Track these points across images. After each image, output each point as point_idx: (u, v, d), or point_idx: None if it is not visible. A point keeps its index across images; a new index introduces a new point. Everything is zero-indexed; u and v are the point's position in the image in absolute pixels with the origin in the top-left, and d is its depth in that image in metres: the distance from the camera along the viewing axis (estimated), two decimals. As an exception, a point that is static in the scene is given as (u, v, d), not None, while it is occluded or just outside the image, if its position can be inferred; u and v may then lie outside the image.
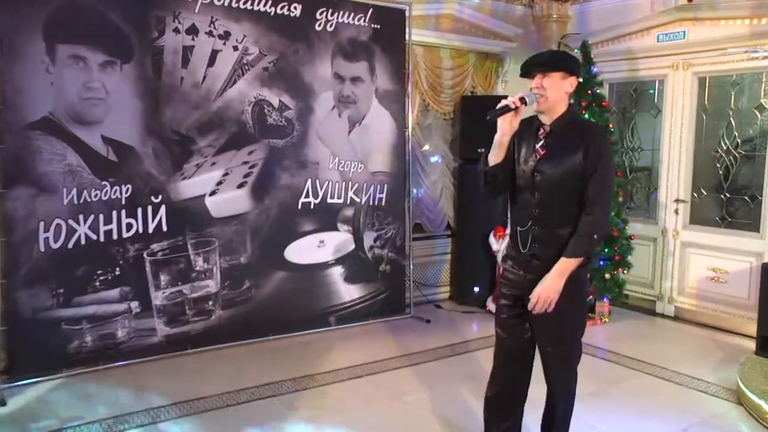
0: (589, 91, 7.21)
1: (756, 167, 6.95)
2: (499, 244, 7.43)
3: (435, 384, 5.50)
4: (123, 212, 5.62)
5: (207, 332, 6.13)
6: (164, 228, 5.82)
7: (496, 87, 8.37)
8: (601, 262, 7.18)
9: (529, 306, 3.51)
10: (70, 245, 5.43)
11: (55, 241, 5.38)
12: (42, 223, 5.31)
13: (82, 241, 5.48)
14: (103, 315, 5.60)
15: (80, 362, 5.53)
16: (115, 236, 5.60)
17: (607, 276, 7.18)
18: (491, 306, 7.48)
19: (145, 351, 5.81)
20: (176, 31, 5.74)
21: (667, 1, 7.55)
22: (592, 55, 7.42)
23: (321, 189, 6.70)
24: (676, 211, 7.53)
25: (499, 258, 7.28)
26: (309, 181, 6.61)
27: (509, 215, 3.84)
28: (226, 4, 5.97)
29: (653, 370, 5.89)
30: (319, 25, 6.52)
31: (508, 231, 7.02)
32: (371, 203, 7.04)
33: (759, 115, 6.93)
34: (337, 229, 6.86)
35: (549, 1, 8.40)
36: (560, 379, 3.74)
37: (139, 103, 5.64)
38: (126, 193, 5.62)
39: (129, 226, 5.66)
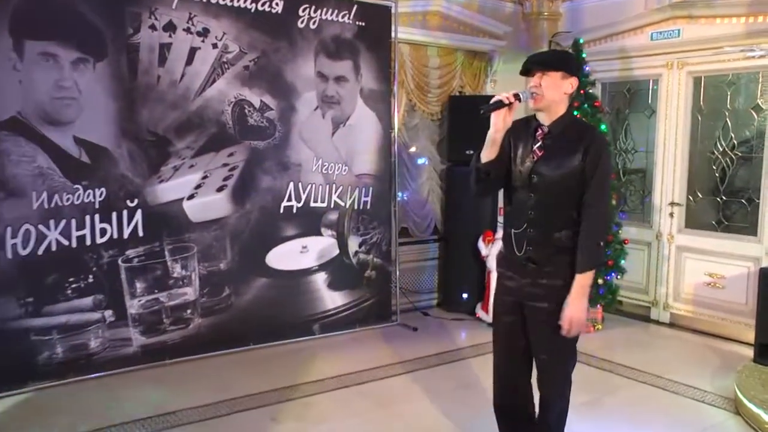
0: (582, 91, 7.18)
1: (753, 169, 6.96)
2: (488, 249, 7.42)
3: (423, 394, 5.47)
4: (96, 217, 5.55)
5: (185, 342, 6.06)
6: (140, 233, 5.75)
7: (485, 87, 8.37)
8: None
9: (564, 333, 3.52)
10: (39, 252, 5.34)
11: (24, 248, 5.30)
12: (9, 229, 5.23)
13: (53, 248, 5.39)
14: (75, 325, 5.52)
15: (50, 375, 5.44)
16: (88, 242, 5.53)
17: (600, 281, 7.16)
18: (480, 313, 7.49)
19: (120, 362, 5.74)
20: (153, 27, 5.69)
21: (661, -2, 7.58)
22: (584, 54, 7.41)
23: (304, 192, 6.67)
24: (671, 215, 7.53)
25: (489, 263, 7.31)
26: (291, 184, 6.57)
27: (503, 217, 3.86)
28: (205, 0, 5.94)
29: (648, 378, 5.88)
30: (302, 22, 6.48)
31: (498, 235, 7.20)
32: (356, 207, 7.01)
33: (756, 116, 6.94)
34: (320, 234, 6.83)
35: (539, -2, 8.43)
36: (555, 386, 3.75)
37: (114, 103, 5.58)
38: (100, 196, 5.55)
39: (103, 232, 5.59)
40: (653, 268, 7.71)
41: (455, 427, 4.84)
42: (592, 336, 7.07)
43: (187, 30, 5.85)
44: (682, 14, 7.18)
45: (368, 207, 7.09)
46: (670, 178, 7.53)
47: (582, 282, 3.50)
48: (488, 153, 3.56)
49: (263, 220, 6.43)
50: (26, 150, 5.24)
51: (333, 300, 6.96)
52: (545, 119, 3.59)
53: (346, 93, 6.86)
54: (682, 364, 6.28)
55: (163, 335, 5.96)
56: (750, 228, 6.94)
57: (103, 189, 5.55)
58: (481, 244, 7.55)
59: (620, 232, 7.34)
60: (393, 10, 7.09)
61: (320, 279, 6.86)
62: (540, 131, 3.60)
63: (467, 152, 7.28)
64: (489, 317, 7.10)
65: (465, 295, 7.82)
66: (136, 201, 5.72)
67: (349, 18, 6.75)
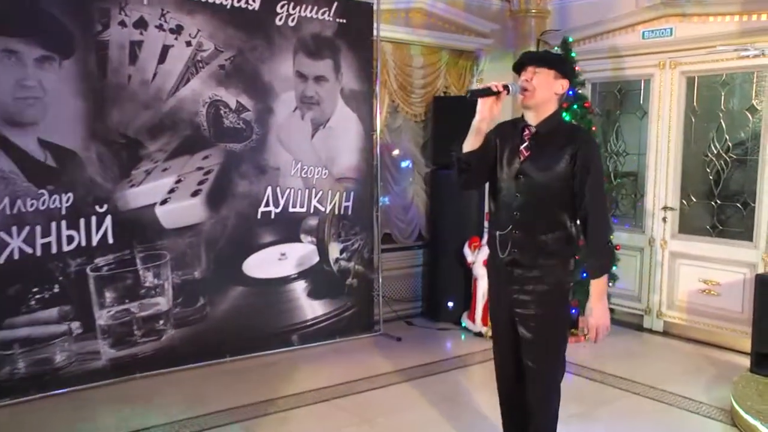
0: (570, 92, 7.10)
1: (748, 172, 6.97)
2: (474, 256, 7.42)
3: (407, 407, 5.45)
4: (63, 223, 5.46)
5: (157, 354, 5.99)
6: (110, 240, 5.68)
7: (471, 87, 8.27)
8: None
9: (591, 341, 3.67)
10: (1, 260, 5.26)
11: (-16, 256, 5.24)
12: (-31, 236, 5.17)
13: (16, 256, 5.31)
14: (39, 338, 5.43)
15: (12, 391, 5.34)
16: (54, 250, 5.44)
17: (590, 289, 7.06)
18: (467, 322, 7.49)
19: (88, 377, 5.65)
20: (122, 24, 5.62)
21: (652, -5, 7.61)
22: (573, 53, 7.40)
23: (282, 197, 6.63)
24: (664, 219, 7.53)
25: (475, 270, 7.34)
26: (269, 188, 6.53)
27: (489, 218, 3.91)
28: (178, -5, 5.91)
29: (641, 389, 5.87)
30: (280, 20, 6.44)
31: (484, 241, 7.19)
32: (337, 212, 6.98)
33: (750, 117, 6.96)
34: (299, 241, 6.79)
35: (527, -6, 8.45)
36: (542, 397, 3.78)
37: (82, 103, 5.50)
38: (67, 202, 5.46)
39: (70, 239, 5.50)
40: (646, 274, 7.71)
41: (441, 443, 4.82)
42: (582, 345, 7.06)
43: (160, 27, 5.79)
44: (674, 12, 7.20)
45: (349, 212, 7.06)
46: (662, 181, 7.53)
47: (599, 287, 3.61)
48: (471, 142, 3.64)
49: (240, 227, 6.38)
50: (-14, 153, 5.17)
51: (313, 309, 6.92)
52: (533, 119, 3.64)
53: (326, 93, 6.82)
54: (676, 375, 6.27)
55: (133, 348, 5.88)
56: (745, 233, 6.95)
57: (70, 194, 5.47)
58: (467, 250, 7.54)
59: (612, 237, 7.13)
60: (375, 7, 7.07)
61: (299, 287, 6.82)
62: (527, 131, 3.65)
63: (452, 154, 7.22)
64: (475, 326, 7.29)
65: (451, 304, 7.79)
66: (105, 206, 5.64)
67: (329, 15, 6.71)
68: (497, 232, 3.72)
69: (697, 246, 7.28)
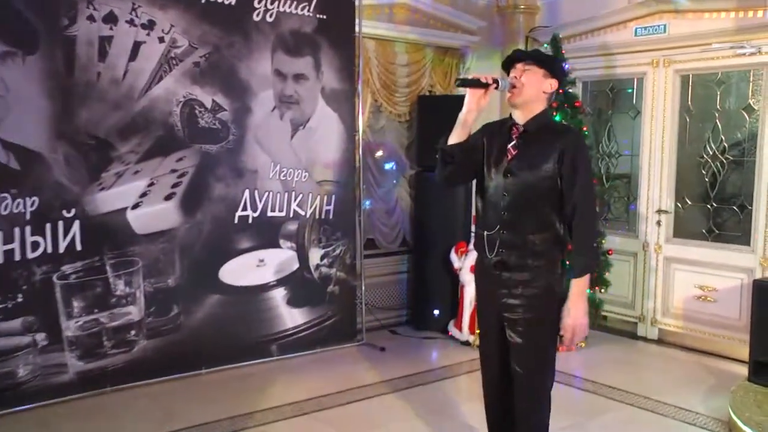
0: (561, 91, 7.02)
1: (745, 174, 6.99)
2: (461, 261, 7.40)
3: (391, 420, 5.45)
4: (28, 229, 5.39)
5: (128, 367, 5.93)
6: (78, 247, 5.61)
7: (461, 75, 8.31)
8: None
9: (566, 343, 3.68)
10: (-40, 268, 5.22)
11: (-58, 264, 5.19)
12: (-74, 243, 5.12)
13: (-24, 264, 5.27)
14: (1, 350, 5.35)
15: (-28, 408, 5.30)
16: (17, 257, 5.38)
17: None
18: (453, 331, 7.47)
19: (54, 391, 5.57)
20: (91, 18, 5.55)
21: (645, -10, 7.61)
22: (563, 51, 7.43)
23: (260, 201, 6.59)
24: (659, 223, 7.53)
25: (462, 277, 7.33)
26: (247, 191, 6.50)
27: (476, 220, 3.97)
28: (149, -12, 5.87)
29: (635, 400, 5.87)
30: (258, 15, 6.41)
31: (471, 246, 7.16)
32: (317, 216, 6.96)
33: (747, 117, 6.98)
34: (278, 246, 6.77)
35: (515, -11, 8.45)
36: (531, 405, 3.80)
37: (47, 102, 5.43)
38: (32, 206, 5.40)
39: (35, 245, 5.43)
40: (640, 280, 7.71)
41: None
42: (574, 354, 7.07)
43: (131, 22, 5.73)
44: (667, 8, 7.21)
45: (331, 216, 7.04)
46: (656, 183, 7.53)
47: (579, 287, 3.62)
48: (457, 134, 3.72)
49: (216, 232, 6.34)
50: (-57, 155, 5.12)
51: (293, 318, 6.89)
52: (521, 118, 3.70)
53: (306, 92, 6.80)
54: (671, 384, 6.28)
55: (103, 360, 5.81)
56: (743, 237, 6.97)
57: (35, 198, 5.40)
58: (453, 255, 7.51)
59: (604, 242, 7.36)
60: (357, 2, 7.06)
61: (279, 295, 6.79)
62: (515, 130, 3.72)
63: (437, 147, 7.30)
64: (462, 335, 7.28)
65: (436, 312, 7.77)
66: (73, 211, 5.58)
67: (309, 10, 6.69)
68: (485, 233, 3.76)
69: (692, 251, 7.28)
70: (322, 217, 6.98)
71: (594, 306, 7.23)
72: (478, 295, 4.05)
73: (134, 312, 5.94)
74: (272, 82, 6.58)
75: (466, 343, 7.23)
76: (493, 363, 3.88)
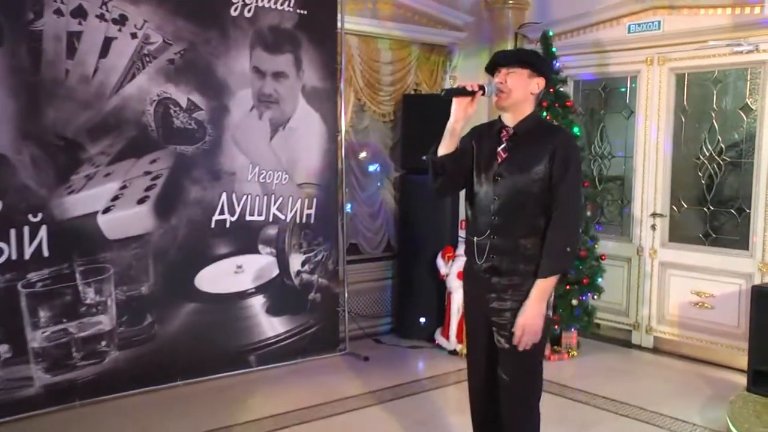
0: (551, 89, 7.18)
1: (743, 176, 7.01)
2: (448, 267, 7.39)
3: None
4: (-9, 235, 5.39)
5: (99, 379, 5.87)
6: (45, 253, 5.55)
7: (444, 84, 8.37)
8: (567, 287, 7.13)
9: (515, 341, 3.63)
10: None
11: None
12: None
13: (-65, 271, 5.24)
14: (-38, 364, 5.34)
15: (-69, 425, 5.25)
16: (-21, 264, 5.37)
17: (574, 302, 7.13)
18: (440, 339, 7.47)
19: (19, 406, 5.50)
20: (58, 12, 5.49)
21: (639, -15, 7.65)
22: (554, 48, 7.41)
23: (238, 204, 6.57)
24: (653, 227, 7.54)
25: (449, 283, 7.33)
26: (224, 195, 6.47)
27: (465, 225, 3.98)
28: (121, -20, 5.84)
29: (630, 411, 5.88)
30: (235, 10, 6.39)
31: (459, 251, 7.26)
32: (298, 220, 6.93)
33: (745, 117, 6.99)
34: (257, 252, 6.74)
35: (504, -16, 8.47)
36: (518, 419, 3.82)
37: (12, 101, 5.38)
38: (-5, 211, 5.40)
39: (-1, 252, 5.45)
40: (634, 286, 7.72)
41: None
42: (566, 363, 7.09)
43: (101, 16, 5.68)
44: (662, 4, 7.23)
45: (312, 220, 7.02)
46: (651, 186, 7.54)
47: (542, 287, 3.64)
48: (446, 145, 3.71)
49: (192, 237, 6.31)
50: None
51: (272, 327, 6.86)
52: (510, 120, 3.74)
53: (286, 91, 6.79)
54: (667, 394, 6.28)
55: (72, 372, 5.75)
56: (741, 241, 6.98)
57: (-1, 202, 5.40)
58: (440, 261, 7.50)
59: (596, 246, 7.33)
60: (339, -3, 7.09)
61: (257, 303, 6.77)
62: (504, 132, 3.75)
63: (424, 158, 7.26)
64: (449, 344, 7.29)
65: (423, 320, 7.77)
66: (40, 215, 5.53)
67: (289, 5, 6.67)
68: (474, 238, 3.79)
69: (688, 255, 7.28)
70: (303, 221, 6.96)
71: (587, 313, 7.22)
72: (465, 300, 4.04)
73: (105, 321, 5.89)
74: (251, 80, 6.56)
75: (454, 352, 7.22)
76: (480, 370, 3.90)
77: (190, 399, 6.01)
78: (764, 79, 6.72)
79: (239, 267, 6.62)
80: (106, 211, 5.83)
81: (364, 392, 6.23)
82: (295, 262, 6.95)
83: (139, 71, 5.93)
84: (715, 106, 7.18)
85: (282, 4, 6.61)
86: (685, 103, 7.37)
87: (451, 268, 7.29)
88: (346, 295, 7.40)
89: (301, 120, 6.90)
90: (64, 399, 5.67)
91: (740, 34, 6.71)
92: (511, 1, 8.39)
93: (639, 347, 7.66)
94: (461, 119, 3.64)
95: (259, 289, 6.74)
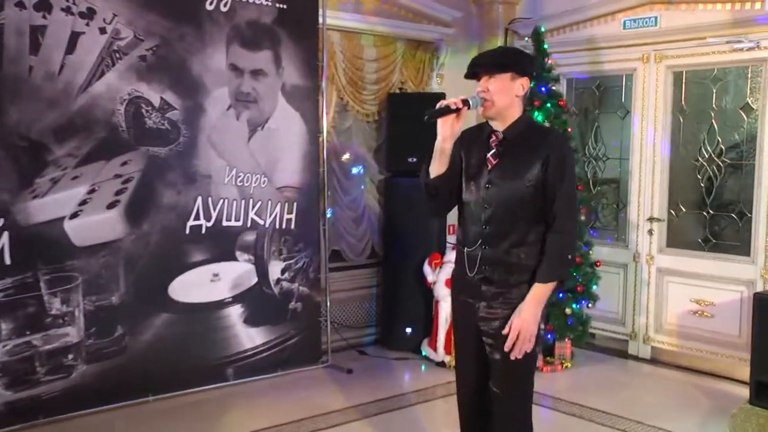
0: (543, 88, 7.20)
1: (744, 178, 7.02)
2: (435, 275, 7.38)
3: None
4: (-52, 241, 5.33)
5: (66, 395, 5.80)
6: (7, 261, 5.50)
7: (430, 82, 8.43)
8: (561, 295, 7.12)
9: (507, 346, 3.60)
10: None
11: None
12: None
13: None
14: None
15: None
16: (-64, 273, 5.32)
17: (568, 311, 7.13)
18: (427, 350, 7.46)
19: (-22, 424, 5.49)
20: (20, 5, 5.44)
21: (634, -21, 7.66)
22: (545, 45, 7.40)
23: (214, 209, 6.53)
24: (651, 232, 7.54)
25: (436, 291, 7.33)
26: (199, 199, 6.43)
27: (456, 233, 3.96)
28: (88, -29, 5.79)
29: (626, 425, 5.88)
30: (211, 4, 6.35)
31: (447, 258, 7.27)
32: (278, 226, 6.90)
33: (745, 117, 7.00)
34: (235, 259, 6.71)
35: (494, -22, 8.50)
36: (509, 427, 3.81)
37: (-29, 100, 5.39)
38: (-47, 216, 5.34)
39: (-44, 260, 5.38)
40: (630, 294, 7.72)
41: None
42: (559, 375, 7.09)
43: (67, 10, 5.63)
44: (659, -1, 7.30)
45: (293, 226, 6.99)
46: (648, 189, 7.55)
47: (540, 291, 3.63)
48: (437, 166, 3.72)
49: (165, 243, 6.27)
50: None
51: (250, 338, 6.82)
52: (499, 125, 3.74)
53: (265, 90, 6.77)
54: (666, 408, 6.29)
55: (35, 388, 5.67)
56: (742, 246, 6.98)
57: (-43, 206, 5.35)
58: (427, 268, 7.49)
59: (591, 252, 7.33)
60: (321, -9, 7.10)
61: (235, 313, 6.72)
62: (494, 137, 3.75)
63: (410, 160, 7.42)
64: (437, 355, 7.26)
65: (409, 330, 7.76)
66: (2, 221, 5.48)
67: (268, -1, 6.70)
68: (465, 249, 3.79)
69: (687, 261, 7.29)
70: (283, 226, 6.93)
71: (581, 322, 7.22)
72: (454, 309, 4.03)
73: (72, 333, 5.83)
74: (227, 78, 6.53)
75: (442, 364, 7.21)
76: (470, 382, 3.90)
77: (164, 416, 5.98)
78: (766, 77, 6.72)
79: (215, 275, 6.58)
80: (74, 216, 5.78)
81: (347, 406, 6.21)
82: (275, 269, 6.91)
83: (109, 68, 5.88)
84: (714, 105, 7.17)
85: (260, -2, 6.65)
86: (683, 102, 7.37)
87: (439, 276, 7.27)
88: (328, 304, 7.36)
89: (281, 120, 6.87)
90: (26, 417, 5.61)
91: (740, 30, 6.70)
92: (500, -4, 8.47)
93: (636, 358, 7.65)
94: (449, 138, 3.64)
95: (236, 299, 6.70)
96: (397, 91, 8.12)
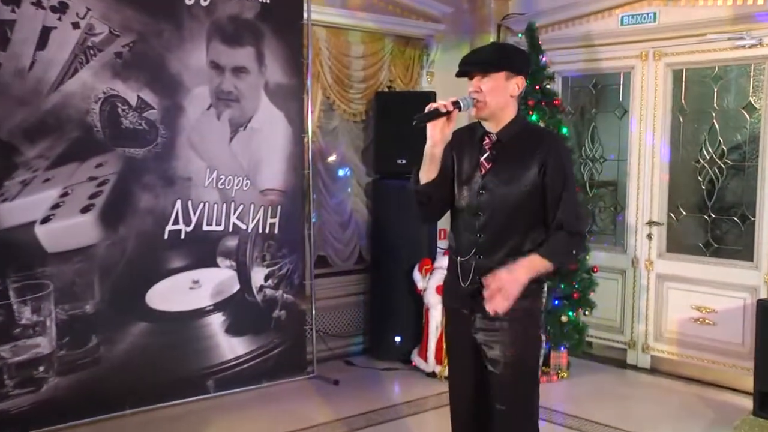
0: (537, 87, 7.20)
1: (746, 180, 7.03)
2: (425, 281, 7.35)
3: None
4: None
5: (36, 409, 5.73)
6: (-26, 268, 5.52)
7: (420, 81, 8.44)
8: (556, 302, 7.12)
9: (487, 293, 3.44)
10: None
11: None
12: None
13: None
14: None
15: None
16: None
17: (564, 319, 7.12)
18: (417, 360, 7.44)
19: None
20: (-14, -2, 5.47)
21: (631, -27, 7.68)
22: (540, 42, 7.40)
23: (194, 213, 6.51)
24: (650, 236, 7.54)
25: (427, 298, 7.30)
26: (179, 202, 6.41)
27: (449, 241, 3.91)
28: (61, -37, 5.75)
29: None
30: None
31: (437, 264, 7.24)
32: (261, 230, 6.88)
33: (748, 117, 7.00)
34: (216, 265, 6.68)
35: (486, -29, 8.53)
36: None
37: (-64, 98, 5.36)
38: None
39: None
40: (629, 301, 7.73)
41: None
42: (555, 386, 7.08)
43: (38, 4, 5.58)
44: (657, -7, 7.32)
45: (276, 230, 6.97)
46: (647, 191, 7.54)
47: (537, 261, 3.53)
48: (427, 172, 3.65)
49: (142, 249, 6.24)
50: None
51: (232, 348, 6.79)
52: (492, 127, 3.69)
53: (248, 88, 6.76)
54: (666, 419, 6.31)
55: (4, 402, 5.61)
56: (744, 251, 6.99)
57: None
58: (417, 274, 7.47)
59: (588, 258, 7.32)
60: (305, -15, 7.09)
61: (216, 322, 6.69)
62: (487, 140, 3.70)
63: (398, 161, 7.41)
64: (428, 366, 7.23)
65: (398, 339, 7.73)
66: None
67: (250, -7, 6.70)
68: (458, 258, 3.74)
69: (688, 267, 7.29)
70: (267, 231, 6.91)
71: (577, 331, 7.20)
72: (447, 319, 3.99)
73: (44, 344, 5.78)
74: (208, 76, 6.52)
75: (432, 375, 7.19)
76: (465, 395, 3.85)
77: (141, 430, 5.97)
78: (769, 75, 6.75)
79: (195, 282, 6.55)
80: (45, 220, 5.74)
81: (334, 419, 6.20)
82: (258, 276, 6.89)
83: (83, 65, 5.84)
84: (715, 104, 7.19)
85: (242, -8, 6.64)
86: (683, 101, 7.38)
87: (429, 282, 7.24)
88: (314, 312, 7.35)
89: (264, 120, 6.87)
90: (-5, 433, 5.60)
91: (742, 26, 6.70)
92: (493, -10, 8.49)
93: (635, 367, 7.66)
94: (439, 142, 3.55)
95: (217, 307, 6.67)
96: (386, 89, 8.12)
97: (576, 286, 7.13)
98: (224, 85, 6.60)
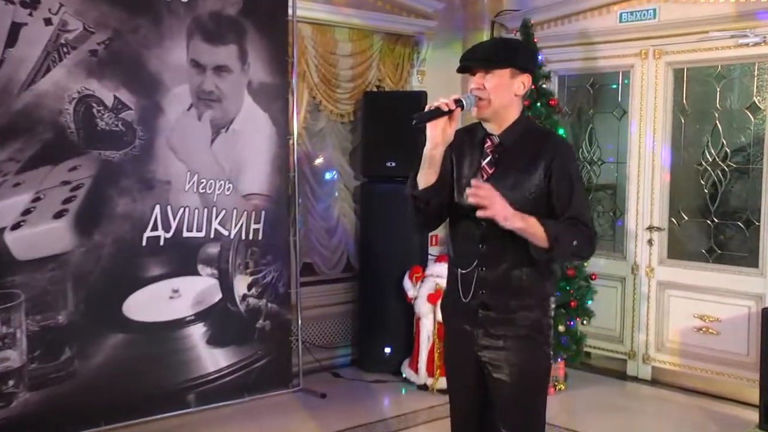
0: (533, 86, 6.97)
1: (751, 184, 7.03)
2: (416, 289, 7.33)
3: None
4: None
5: (6, 427, 5.65)
6: (-60, 277, 5.46)
7: (410, 80, 8.42)
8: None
9: (471, 192, 3.30)
10: None
11: None
12: None
13: None
14: None
15: None
16: None
17: (561, 328, 7.08)
18: (408, 372, 7.41)
19: None
20: (-48, -7, 5.41)
21: (631, -32, 7.69)
22: (535, 39, 7.41)
23: (174, 218, 6.45)
24: (650, 242, 7.52)
25: (417, 307, 7.28)
26: (157, 207, 6.34)
27: (448, 252, 3.88)
28: (31, -44, 5.70)
29: None
30: None
31: (428, 271, 7.24)
32: (244, 237, 6.83)
33: (752, 118, 7.00)
34: (197, 273, 6.63)
35: (479, -34, 8.53)
36: None
37: None
38: None
39: None
40: (629, 310, 7.71)
41: None
42: (552, 398, 6.90)
43: None
44: (657, -10, 7.33)
45: (260, 237, 6.92)
46: (647, 195, 7.53)
47: (532, 223, 3.33)
48: (426, 176, 3.52)
49: (119, 257, 6.17)
50: None
51: (214, 360, 6.73)
52: (494, 128, 3.60)
53: (230, 88, 6.71)
54: None
55: None
56: (749, 257, 6.98)
57: None
58: (407, 282, 7.44)
59: (586, 264, 7.29)
60: (290, -20, 7.08)
61: (197, 333, 6.63)
62: (489, 142, 3.61)
63: (388, 164, 7.37)
64: (419, 378, 7.21)
65: (388, 350, 7.72)
66: None
67: (232, -11, 6.68)
68: (459, 270, 3.63)
69: (690, 274, 7.27)
70: (250, 237, 6.87)
71: (575, 341, 7.20)
72: (446, 335, 3.89)
73: (13, 357, 5.71)
74: (188, 75, 6.48)
75: (424, 387, 7.16)
76: (466, 413, 3.79)
77: None
78: (773, 74, 6.75)
79: (175, 291, 6.51)
80: (16, 227, 5.68)
81: None
82: (241, 284, 6.85)
83: (56, 64, 5.79)
84: (718, 105, 7.18)
85: (224, -13, 6.62)
86: (684, 101, 7.38)
87: (420, 291, 7.23)
88: (299, 322, 7.31)
89: (247, 121, 6.84)
90: (-38, 451, 5.51)
91: (746, 23, 6.71)
92: (486, -15, 8.50)
93: (635, 379, 7.65)
94: (440, 144, 3.43)
95: (198, 317, 6.62)
96: (374, 89, 8.10)
97: (573, 294, 7.10)
98: (205, 84, 6.55)
